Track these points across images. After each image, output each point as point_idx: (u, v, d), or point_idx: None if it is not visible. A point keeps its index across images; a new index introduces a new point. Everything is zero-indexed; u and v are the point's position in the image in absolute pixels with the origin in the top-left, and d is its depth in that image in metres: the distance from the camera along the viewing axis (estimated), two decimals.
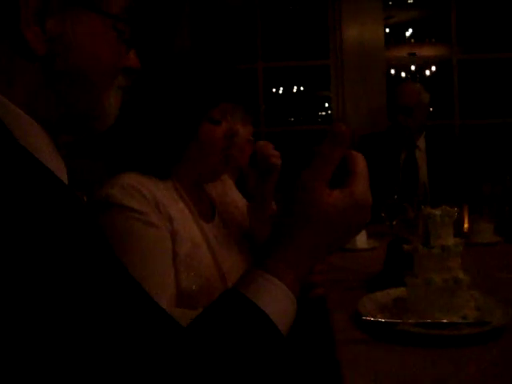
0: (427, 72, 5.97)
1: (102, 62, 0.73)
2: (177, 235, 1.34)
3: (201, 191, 1.58)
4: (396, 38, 6.35)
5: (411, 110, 3.00)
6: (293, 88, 8.04)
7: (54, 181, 0.64)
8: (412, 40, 6.74)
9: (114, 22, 0.74)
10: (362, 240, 2.21)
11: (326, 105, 8.55)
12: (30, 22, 0.66)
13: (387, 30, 4.57)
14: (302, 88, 8.18)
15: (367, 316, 1.25)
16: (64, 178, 0.71)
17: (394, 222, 2.38)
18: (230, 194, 1.70)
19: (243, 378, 0.65)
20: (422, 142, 3.08)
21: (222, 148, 1.46)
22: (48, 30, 0.67)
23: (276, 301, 0.70)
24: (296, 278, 0.72)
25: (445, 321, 1.21)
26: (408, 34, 6.69)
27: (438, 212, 1.31)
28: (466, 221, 2.27)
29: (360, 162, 0.76)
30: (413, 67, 6.07)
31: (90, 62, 0.71)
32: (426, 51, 6.51)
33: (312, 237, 0.73)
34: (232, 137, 1.47)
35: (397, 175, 3.02)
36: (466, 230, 2.25)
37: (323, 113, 9.04)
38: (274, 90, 7.57)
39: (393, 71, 5.78)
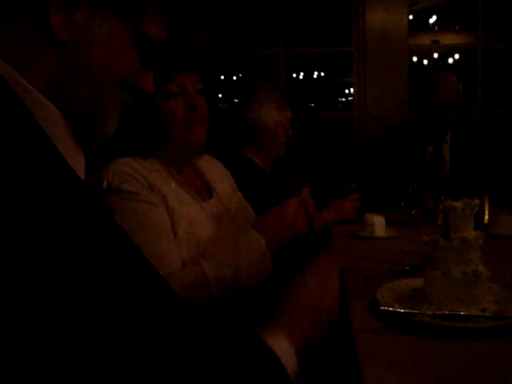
0: (450, 60, 5.89)
1: (115, 70, 0.74)
2: (174, 214, 1.36)
3: (192, 170, 1.60)
4: (419, 24, 6.26)
5: (458, 105, 2.92)
6: (313, 73, 7.99)
7: (69, 173, 0.65)
8: (436, 27, 6.63)
9: (139, 38, 0.76)
10: (380, 229, 2.20)
11: (347, 91, 8.50)
12: (60, 8, 0.67)
13: (410, 17, 4.50)
14: (322, 74, 8.13)
15: (385, 306, 1.26)
16: (80, 167, 0.73)
17: (413, 212, 2.38)
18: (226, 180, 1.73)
19: None
20: (448, 135, 3.03)
21: (184, 120, 1.45)
22: (74, 21, 0.69)
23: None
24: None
25: (463, 313, 1.21)
26: (432, 20, 6.58)
27: (459, 204, 1.31)
28: (487, 213, 2.25)
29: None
30: (436, 55, 5.99)
31: (104, 64, 0.73)
32: (449, 39, 6.41)
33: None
34: (193, 109, 1.45)
35: (422, 168, 2.96)
36: (486, 222, 2.23)
37: (343, 99, 8.99)
38: (294, 75, 7.54)
39: (415, 58, 5.72)
